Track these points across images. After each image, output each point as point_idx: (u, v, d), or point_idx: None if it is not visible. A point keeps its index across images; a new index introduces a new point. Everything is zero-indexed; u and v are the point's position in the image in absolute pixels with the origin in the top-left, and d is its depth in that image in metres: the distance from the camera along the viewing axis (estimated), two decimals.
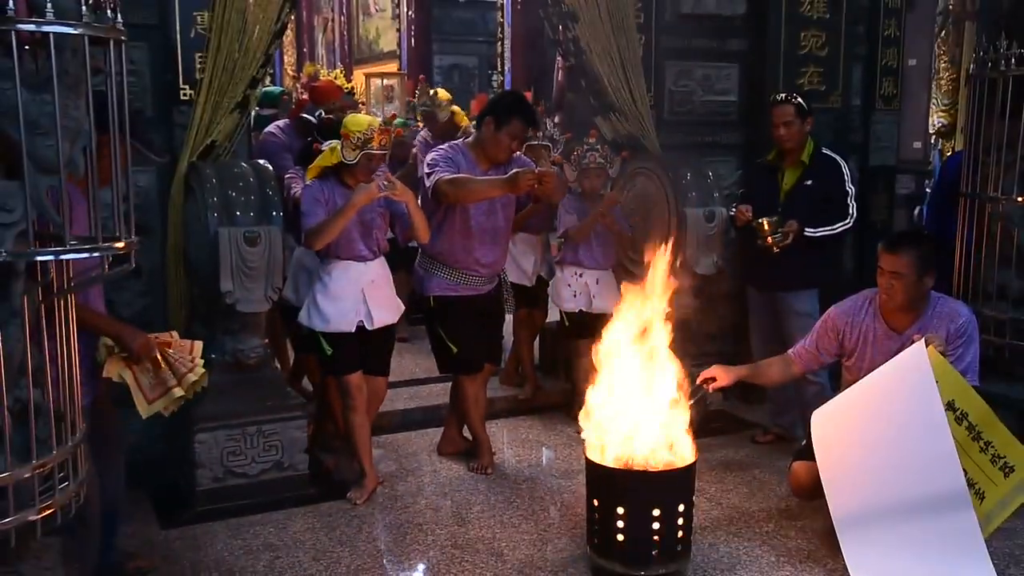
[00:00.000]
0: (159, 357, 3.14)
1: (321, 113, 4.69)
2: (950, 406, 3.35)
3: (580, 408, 4.98)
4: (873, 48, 5.97)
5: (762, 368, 4.01)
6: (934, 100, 10.02)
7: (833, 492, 3.51)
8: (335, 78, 7.07)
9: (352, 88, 5.12)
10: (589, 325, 4.93)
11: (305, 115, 4.80)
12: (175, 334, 3.30)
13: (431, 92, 6.32)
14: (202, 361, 3.27)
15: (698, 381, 3.68)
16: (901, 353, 3.43)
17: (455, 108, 6.19)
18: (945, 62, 9.98)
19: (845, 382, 3.79)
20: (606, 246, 4.98)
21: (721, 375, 3.75)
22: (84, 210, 2.80)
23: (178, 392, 3.20)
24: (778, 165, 4.66)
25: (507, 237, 4.44)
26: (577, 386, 5.03)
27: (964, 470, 3.28)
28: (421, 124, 6.38)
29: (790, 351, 3.95)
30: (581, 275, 4.98)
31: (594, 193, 4.94)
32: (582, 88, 5.13)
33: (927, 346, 3.30)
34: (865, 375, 3.57)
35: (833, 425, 3.63)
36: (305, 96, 4.86)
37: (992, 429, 3.43)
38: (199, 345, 3.30)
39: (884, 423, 3.45)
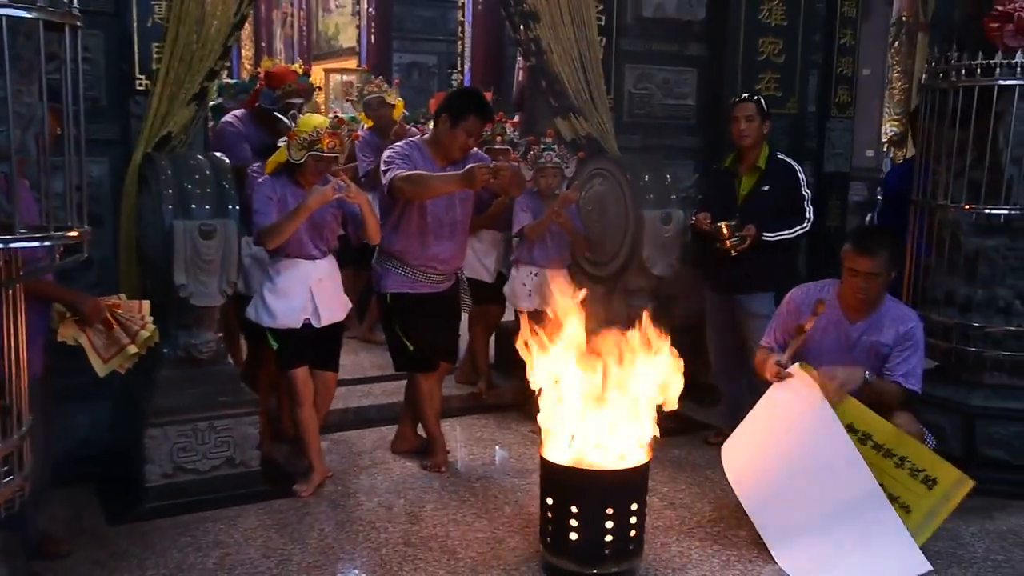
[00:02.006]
0: (110, 318, 3.32)
1: (281, 93, 4.64)
2: (850, 428, 3.53)
3: (535, 407, 5.03)
4: (829, 56, 6.07)
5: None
6: (887, 109, 10.21)
7: (756, 516, 3.65)
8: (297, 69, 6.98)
9: (309, 72, 5.07)
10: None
11: (262, 104, 4.72)
12: (123, 296, 3.50)
13: (375, 78, 6.32)
14: (151, 319, 3.45)
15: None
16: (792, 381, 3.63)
17: (399, 101, 6.19)
18: (898, 72, 10.17)
19: None
20: (561, 245, 5.01)
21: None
22: (31, 199, 2.76)
23: (132, 349, 3.38)
24: (735, 171, 4.71)
25: (465, 234, 4.43)
26: (531, 385, 5.05)
27: (882, 484, 3.44)
28: (364, 121, 6.30)
29: (764, 344, 4.01)
30: (536, 274, 5.00)
31: (550, 192, 4.97)
32: (542, 88, 5.15)
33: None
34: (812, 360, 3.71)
35: (742, 453, 3.78)
36: (261, 83, 4.78)
37: (903, 446, 3.57)
38: (147, 304, 3.49)
39: (788, 443, 3.61)
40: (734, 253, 4.43)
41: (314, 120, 3.96)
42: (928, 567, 3.40)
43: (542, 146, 5.00)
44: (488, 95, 4.68)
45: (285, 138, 3.92)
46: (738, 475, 3.75)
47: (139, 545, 3.57)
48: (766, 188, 4.60)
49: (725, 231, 4.43)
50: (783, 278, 4.64)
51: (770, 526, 3.59)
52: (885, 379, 3.71)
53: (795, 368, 3.66)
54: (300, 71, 4.91)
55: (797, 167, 4.67)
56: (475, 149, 4.41)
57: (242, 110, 4.88)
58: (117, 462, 4.14)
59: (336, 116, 4.67)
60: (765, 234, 4.46)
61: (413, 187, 4.01)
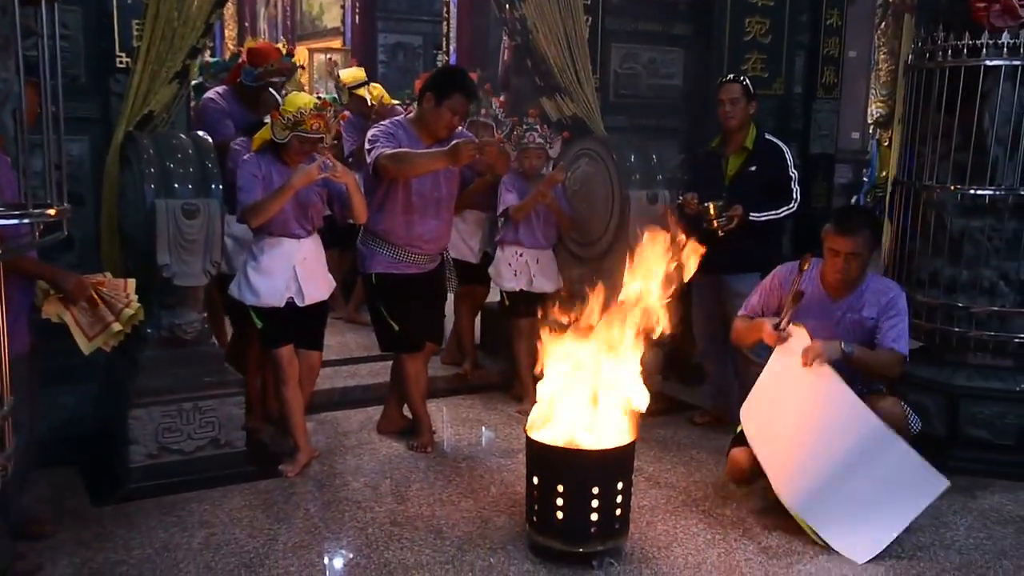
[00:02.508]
0: (95, 296, 3.30)
1: (262, 71, 4.62)
2: None
3: (519, 388, 5.04)
4: (816, 37, 6.05)
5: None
6: (873, 90, 10.23)
7: (779, 483, 3.65)
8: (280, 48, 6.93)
9: (292, 52, 5.05)
10: (529, 305, 4.96)
11: (243, 81, 4.71)
12: (108, 274, 3.48)
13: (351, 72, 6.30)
14: (136, 297, 3.43)
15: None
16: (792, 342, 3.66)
17: (374, 85, 6.16)
18: (884, 53, 10.18)
19: None
20: (547, 226, 4.99)
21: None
22: (12, 176, 2.73)
23: (117, 327, 3.36)
24: (721, 152, 4.71)
25: (450, 212, 4.41)
26: (516, 366, 5.07)
27: None
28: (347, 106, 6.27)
29: (743, 314, 4.03)
30: (522, 255, 4.98)
31: (534, 173, 4.94)
32: (528, 68, 5.12)
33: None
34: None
35: (756, 416, 3.81)
36: (243, 60, 4.76)
37: None
38: (132, 282, 3.48)
39: (796, 404, 3.64)
40: (721, 233, 4.43)
41: (299, 100, 3.89)
42: (946, 482, 3.46)
43: (525, 126, 4.97)
44: (474, 76, 4.66)
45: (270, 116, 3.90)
46: (758, 439, 3.77)
47: (124, 525, 3.55)
48: (753, 168, 4.59)
49: (712, 211, 4.43)
50: (769, 259, 4.65)
51: (795, 494, 3.59)
52: (877, 348, 3.72)
53: (793, 328, 3.68)
54: (283, 51, 4.88)
55: (784, 147, 4.67)
56: (460, 128, 4.38)
57: (224, 87, 4.86)
58: (102, 443, 4.12)
59: (319, 98, 4.65)
60: (752, 214, 4.46)
61: (398, 165, 3.99)
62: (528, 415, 3.48)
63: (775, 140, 4.72)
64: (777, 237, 5.10)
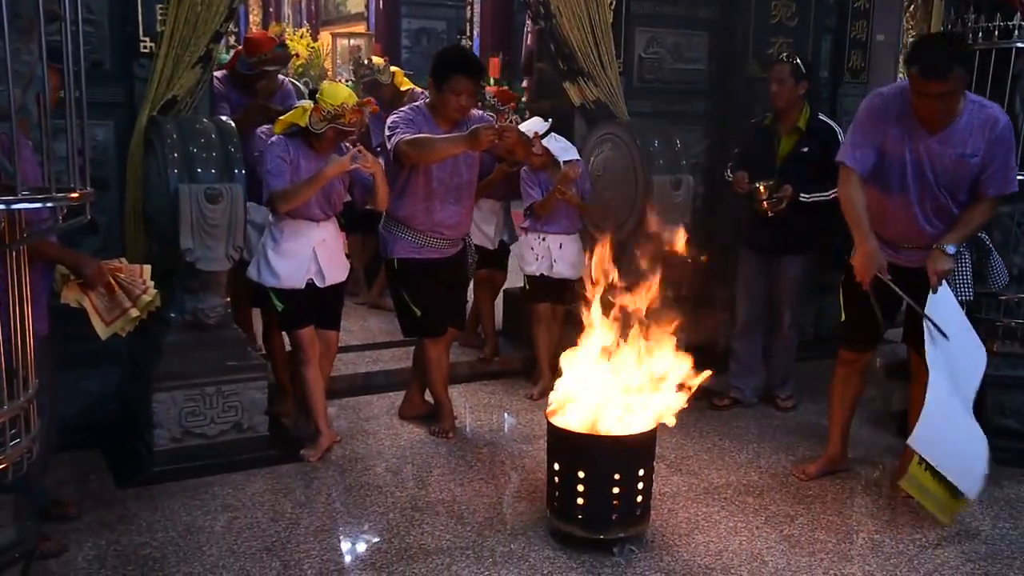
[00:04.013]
0: (112, 282, 3.33)
1: (256, 60, 4.72)
2: None
3: (537, 372, 5.05)
4: (843, 20, 5.97)
5: (863, 212, 3.55)
6: (901, 75, 10.08)
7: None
8: (300, 37, 6.95)
9: (285, 41, 5.16)
10: (550, 290, 4.96)
11: (238, 69, 4.87)
12: (124, 260, 3.50)
13: (367, 61, 6.24)
14: (152, 283, 3.46)
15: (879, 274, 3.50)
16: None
17: (395, 69, 6.10)
18: (913, 37, 10.02)
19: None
20: (570, 212, 4.97)
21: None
22: (34, 161, 2.74)
23: (134, 313, 3.39)
24: (774, 130, 4.71)
25: (471, 198, 4.39)
26: (535, 351, 5.08)
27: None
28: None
29: (859, 169, 3.54)
30: (544, 239, 4.98)
31: (538, 165, 4.81)
32: (551, 52, 5.09)
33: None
34: (895, 175, 3.50)
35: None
36: (238, 50, 4.90)
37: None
38: (148, 268, 3.50)
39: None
40: (771, 214, 4.42)
41: (341, 93, 3.92)
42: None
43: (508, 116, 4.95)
44: (496, 60, 4.64)
45: (302, 101, 3.92)
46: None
47: (148, 508, 3.58)
48: (805, 149, 4.59)
49: (762, 191, 4.43)
50: (818, 241, 4.63)
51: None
52: (969, 210, 3.49)
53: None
54: (278, 40, 5.02)
55: (837, 128, 4.65)
56: (480, 112, 4.37)
57: (223, 72, 4.99)
58: (125, 427, 4.16)
59: (365, 100, 4.72)
60: (802, 195, 4.45)
61: (418, 151, 3.98)
62: (542, 398, 3.48)
63: (829, 121, 4.72)
64: (829, 220, 5.09)
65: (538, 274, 4.98)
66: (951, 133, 3.40)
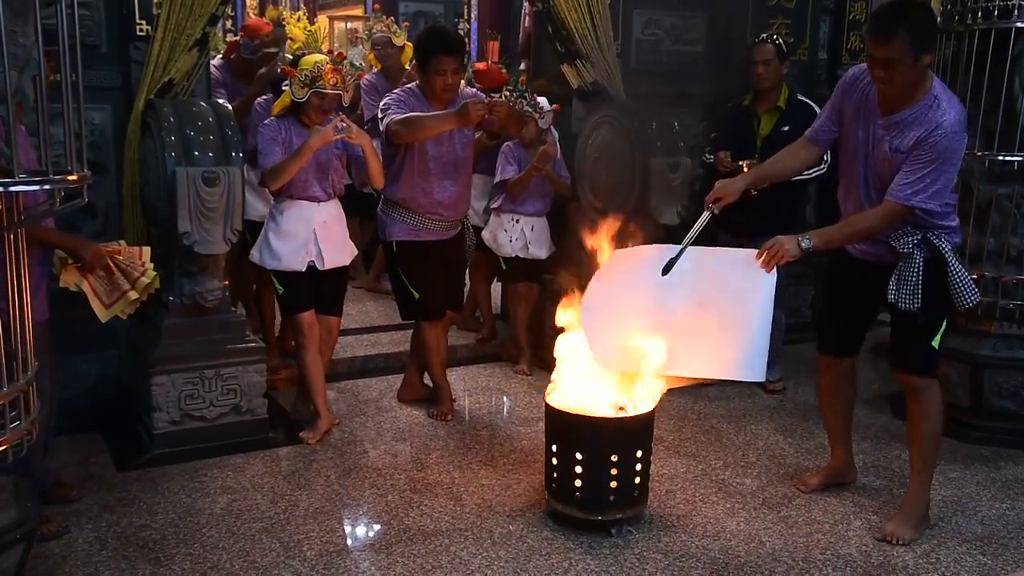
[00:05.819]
0: (111, 264, 3.35)
1: (259, 43, 4.88)
2: None
3: (515, 351, 5.10)
4: (841, 2, 5.96)
5: (773, 163, 3.55)
6: None
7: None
8: (298, 20, 6.94)
9: (282, 23, 5.36)
10: (526, 270, 5.02)
11: (241, 54, 4.99)
12: (123, 243, 3.52)
13: (384, 18, 6.23)
14: (151, 265, 3.48)
15: (708, 204, 3.41)
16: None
17: (409, 44, 6.07)
18: None
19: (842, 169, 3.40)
20: (543, 194, 5.02)
21: (727, 191, 3.40)
22: (28, 145, 2.74)
23: (133, 295, 3.41)
24: (753, 110, 4.74)
25: (468, 176, 4.39)
26: (511, 330, 5.15)
27: None
28: (372, 64, 6.15)
29: (808, 133, 3.48)
30: (518, 221, 5.04)
31: (531, 141, 4.91)
32: (549, 34, 5.06)
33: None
34: (849, 154, 3.30)
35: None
36: (232, 40, 5.04)
37: None
38: (147, 250, 3.52)
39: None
40: (754, 193, 4.41)
41: (315, 57, 3.97)
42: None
43: (515, 93, 4.93)
44: (494, 43, 4.63)
45: (287, 80, 3.92)
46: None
47: (148, 490, 3.60)
48: (786, 128, 4.59)
49: (746, 170, 4.40)
50: (794, 222, 4.63)
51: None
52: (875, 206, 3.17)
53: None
54: (273, 23, 5.19)
55: (816, 108, 4.63)
56: (472, 89, 4.37)
57: (221, 60, 5.04)
58: (126, 410, 4.17)
59: (336, 52, 4.83)
60: None
61: (409, 129, 3.98)
62: (526, 375, 3.47)
63: (807, 100, 4.76)
64: (803, 198, 5.09)
65: (513, 256, 5.02)
66: (897, 121, 3.09)
